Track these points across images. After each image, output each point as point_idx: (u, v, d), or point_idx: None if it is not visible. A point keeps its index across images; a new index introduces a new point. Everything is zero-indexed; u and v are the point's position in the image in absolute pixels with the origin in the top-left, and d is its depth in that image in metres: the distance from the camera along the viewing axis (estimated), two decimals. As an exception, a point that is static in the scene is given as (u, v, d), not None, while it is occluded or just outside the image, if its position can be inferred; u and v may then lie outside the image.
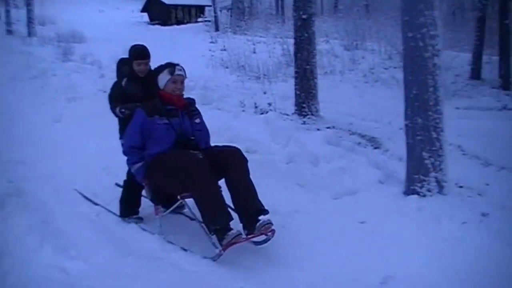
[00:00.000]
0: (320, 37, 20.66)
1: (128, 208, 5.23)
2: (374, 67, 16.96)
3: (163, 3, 35.54)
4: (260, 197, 4.44)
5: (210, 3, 32.73)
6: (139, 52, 5.24)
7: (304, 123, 8.60)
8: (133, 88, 5.21)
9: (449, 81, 15.33)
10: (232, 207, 4.48)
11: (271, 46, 18.92)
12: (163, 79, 4.75)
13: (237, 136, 6.85)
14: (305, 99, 9.01)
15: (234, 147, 4.70)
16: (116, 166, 6.03)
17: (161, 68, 4.80)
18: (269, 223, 4.34)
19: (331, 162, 6.21)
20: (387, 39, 17.95)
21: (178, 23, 34.63)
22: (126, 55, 5.42)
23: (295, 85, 9.34)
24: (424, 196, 5.24)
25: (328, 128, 8.32)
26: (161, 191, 4.65)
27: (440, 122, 5.35)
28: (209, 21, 32.30)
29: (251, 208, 4.33)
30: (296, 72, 9.32)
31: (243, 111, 9.29)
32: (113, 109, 5.24)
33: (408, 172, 5.48)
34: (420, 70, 5.28)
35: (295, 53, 9.34)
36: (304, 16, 9.06)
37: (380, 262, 4.16)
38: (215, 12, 30.66)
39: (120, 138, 5.28)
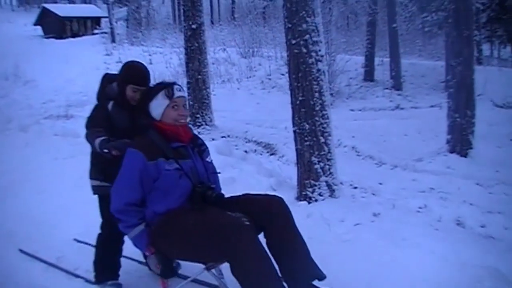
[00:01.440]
0: (218, 46, 20.73)
1: (107, 271, 3.97)
2: (270, 73, 17.16)
3: (57, 15, 34.27)
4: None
5: (106, 14, 32.04)
6: (138, 76, 3.76)
7: (198, 133, 8.45)
8: (121, 116, 3.76)
9: (343, 84, 15.77)
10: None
11: (168, 56, 18.77)
12: (159, 106, 3.35)
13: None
14: (199, 109, 8.95)
15: (272, 195, 3.52)
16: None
17: (152, 92, 3.41)
18: None
19: (222, 173, 6.10)
20: (283, 45, 18.03)
21: (74, 35, 33.49)
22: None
23: (188, 95, 9.19)
24: (316, 200, 5.28)
25: (223, 137, 8.27)
26: (173, 260, 3.40)
27: (328, 127, 5.41)
28: (105, 33, 31.56)
29: (305, 274, 3.27)
30: (188, 83, 9.27)
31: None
32: (91, 137, 3.65)
33: (299, 177, 5.52)
34: (305, 76, 5.32)
35: (187, 63, 9.30)
36: (193, 26, 9.00)
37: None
38: (111, 24, 30.00)
39: (94, 178, 3.89)
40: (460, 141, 8.96)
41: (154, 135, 3.32)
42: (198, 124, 8.89)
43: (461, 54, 8.34)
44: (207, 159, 3.53)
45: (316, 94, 5.32)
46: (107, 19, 31.94)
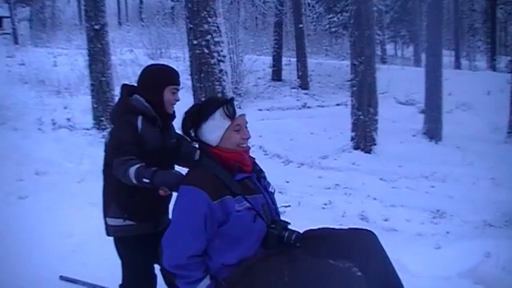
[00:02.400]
0: (125, 47, 20.32)
1: None
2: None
3: (-48, 16, 32.68)
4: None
5: (7, 14, 30.71)
6: (174, 74, 3.06)
7: (103, 137, 8.24)
8: (153, 133, 2.94)
9: (251, 84, 15.85)
10: None
11: (73, 58, 18.17)
12: (218, 128, 2.60)
13: (27, 157, 6.36)
14: (103, 112, 8.71)
15: (360, 228, 2.78)
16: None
17: (205, 111, 2.65)
18: None
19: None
20: (191, 46, 18.08)
21: (-28, 38, 32.02)
22: None
23: (92, 98, 9.01)
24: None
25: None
26: None
27: (232, 127, 5.40)
28: (7, 33, 30.26)
29: None
30: (92, 85, 9.00)
31: (40, 129, 8.71)
32: (122, 167, 2.71)
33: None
34: (207, 76, 5.31)
35: (90, 65, 9.03)
36: (96, 27, 8.75)
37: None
38: (13, 24, 28.77)
39: (114, 216, 2.95)
40: (364, 137, 9.23)
41: (213, 166, 2.56)
42: (102, 127, 8.65)
43: (363, 54, 8.58)
44: (270, 189, 2.78)
45: (219, 95, 5.30)
46: (9, 20, 30.63)
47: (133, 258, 2.95)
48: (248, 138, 2.64)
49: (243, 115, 2.66)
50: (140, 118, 2.88)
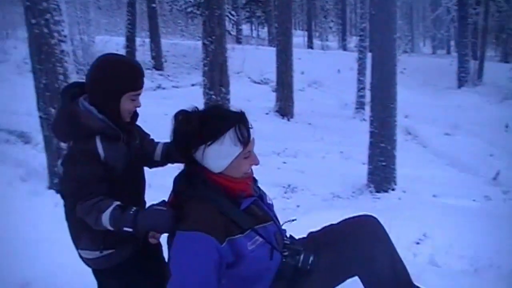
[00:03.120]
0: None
1: None
2: (27, 57, 16.03)
3: None
4: None
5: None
6: (136, 75, 2.30)
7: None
8: (118, 154, 2.28)
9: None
10: None
11: None
12: (226, 155, 2.04)
13: None
14: None
15: (360, 216, 2.50)
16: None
17: (211, 126, 2.03)
18: None
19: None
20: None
21: None
22: None
23: None
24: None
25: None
26: None
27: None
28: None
29: None
30: None
31: None
32: (91, 212, 2.13)
33: (49, 165, 5.22)
34: (48, 58, 4.99)
35: None
36: None
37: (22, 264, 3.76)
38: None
39: (87, 248, 2.34)
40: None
41: (215, 198, 2.02)
42: None
43: (214, 33, 8.53)
44: (268, 201, 2.32)
45: (61, 77, 5.02)
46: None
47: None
48: (257, 164, 2.13)
49: (253, 139, 2.09)
50: (98, 139, 2.19)
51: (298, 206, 6.02)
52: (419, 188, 6.90)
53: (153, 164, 2.58)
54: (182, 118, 2.04)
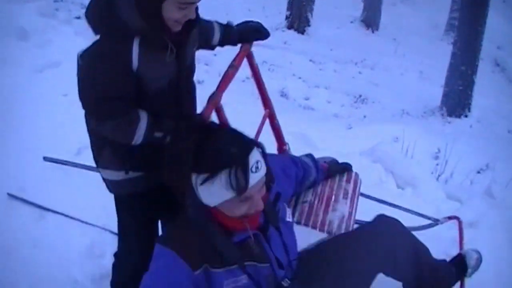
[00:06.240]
0: None
1: None
2: None
3: None
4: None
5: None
6: None
7: None
8: (158, 65, 1.78)
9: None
10: None
11: None
12: (216, 195, 1.62)
13: None
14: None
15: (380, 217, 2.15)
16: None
17: (203, 160, 1.58)
18: None
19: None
20: None
21: None
22: None
23: None
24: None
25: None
26: None
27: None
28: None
29: None
30: None
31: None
32: (114, 133, 1.81)
33: None
34: None
35: None
36: None
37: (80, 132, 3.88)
38: None
39: (112, 168, 1.94)
40: (298, 17, 9.09)
41: (204, 225, 1.72)
42: None
43: None
44: (288, 218, 1.96)
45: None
46: None
47: (138, 220, 2.10)
48: (260, 210, 1.70)
49: (260, 180, 1.65)
50: (136, 42, 1.71)
51: (364, 116, 5.92)
52: (494, 120, 6.64)
53: (208, 48, 2.22)
54: (182, 131, 1.70)
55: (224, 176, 1.57)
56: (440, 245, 2.33)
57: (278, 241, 1.84)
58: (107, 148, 1.89)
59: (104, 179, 2.00)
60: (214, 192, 1.61)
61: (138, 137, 1.78)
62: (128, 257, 2.14)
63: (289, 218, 1.93)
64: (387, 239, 2.00)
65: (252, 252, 1.73)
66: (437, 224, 2.85)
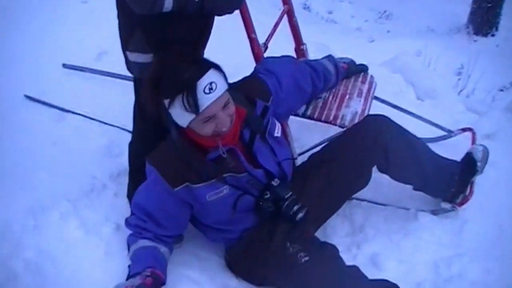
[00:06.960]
0: None
1: None
2: None
3: None
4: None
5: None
6: None
7: None
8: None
9: None
10: None
11: None
12: (180, 117, 1.84)
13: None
14: None
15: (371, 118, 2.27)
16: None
17: (163, 87, 1.79)
18: None
19: None
20: None
21: None
22: None
23: None
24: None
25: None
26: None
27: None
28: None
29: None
30: None
31: None
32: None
33: None
34: None
35: None
36: None
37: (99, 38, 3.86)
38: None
39: (138, 50, 1.99)
40: None
41: (181, 145, 1.91)
42: None
43: None
44: (276, 134, 2.09)
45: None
46: None
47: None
48: (228, 122, 1.85)
49: (218, 99, 1.79)
50: None
51: (388, 31, 5.82)
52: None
53: None
54: (159, 59, 1.87)
55: (178, 100, 1.76)
56: (454, 157, 2.30)
57: (266, 150, 2.05)
58: (138, 31, 1.93)
59: (129, 62, 2.06)
60: (178, 115, 1.82)
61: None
62: (140, 140, 2.27)
63: (277, 134, 2.09)
64: (373, 130, 2.13)
65: (228, 165, 1.93)
66: (451, 136, 2.81)
